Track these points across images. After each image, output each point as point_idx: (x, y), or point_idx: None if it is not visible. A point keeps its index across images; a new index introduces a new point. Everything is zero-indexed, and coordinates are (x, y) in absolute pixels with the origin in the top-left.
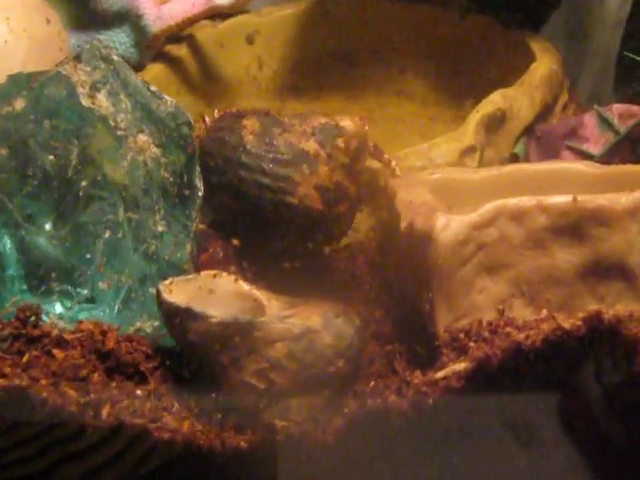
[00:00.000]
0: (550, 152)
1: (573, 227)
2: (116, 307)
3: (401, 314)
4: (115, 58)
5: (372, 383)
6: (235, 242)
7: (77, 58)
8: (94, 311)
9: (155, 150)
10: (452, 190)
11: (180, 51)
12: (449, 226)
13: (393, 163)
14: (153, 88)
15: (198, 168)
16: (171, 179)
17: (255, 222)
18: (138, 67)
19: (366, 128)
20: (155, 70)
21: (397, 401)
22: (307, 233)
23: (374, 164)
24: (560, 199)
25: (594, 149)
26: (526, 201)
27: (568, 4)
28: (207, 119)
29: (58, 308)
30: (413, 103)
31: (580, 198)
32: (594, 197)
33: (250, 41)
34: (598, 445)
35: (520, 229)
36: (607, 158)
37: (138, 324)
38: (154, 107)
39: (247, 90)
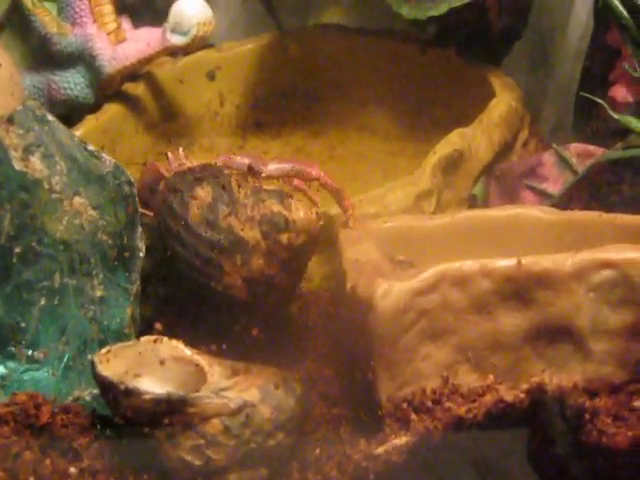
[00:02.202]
0: (509, 192)
1: (518, 291)
2: (59, 372)
3: (350, 374)
4: (50, 119)
5: (317, 451)
6: (158, 326)
7: (10, 120)
8: (38, 372)
9: (92, 212)
10: (406, 239)
11: (138, 89)
12: (390, 293)
13: (349, 212)
14: (91, 147)
15: (140, 228)
16: (110, 241)
17: (186, 294)
18: (94, 107)
19: (320, 223)
20: (112, 110)
21: (338, 476)
22: (231, 318)
23: (333, 209)
24: (504, 263)
25: (553, 188)
26: (469, 265)
27: (530, 36)
28: (170, 156)
29: (0, 369)
30: (375, 138)
31: (524, 261)
32: (539, 259)
33: (211, 77)
34: None
35: (463, 294)
36: (566, 198)
37: (77, 393)
38: (92, 167)
39: (208, 126)
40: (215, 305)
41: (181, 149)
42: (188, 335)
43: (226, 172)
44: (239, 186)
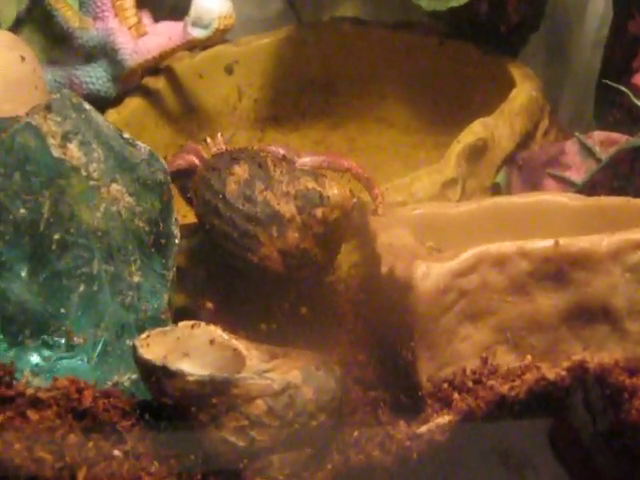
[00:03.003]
0: (532, 180)
1: (555, 272)
2: (94, 359)
3: (384, 357)
4: (87, 107)
5: (355, 433)
6: (209, 305)
7: (47, 108)
8: (73, 360)
9: (129, 199)
10: (433, 226)
11: (158, 84)
12: (429, 274)
13: (379, 199)
14: (126, 135)
15: (175, 215)
16: (146, 228)
17: (220, 269)
18: (116, 101)
19: (354, 200)
20: (133, 104)
21: (381, 456)
22: (266, 291)
23: (363, 197)
24: (541, 244)
25: (576, 177)
26: (507, 247)
27: (547, 26)
28: (209, 140)
29: (35, 358)
30: (394, 131)
31: (562, 242)
32: (576, 240)
33: (229, 71)
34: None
35: (502, 275)
36: (590, 186)
37: (115, 378)
38: (127, 155)
39: (227, 120)
40: (252, 279)
41: (219, 134)
42: (227, 314)
43: (262, 154)
44: (275, 165)
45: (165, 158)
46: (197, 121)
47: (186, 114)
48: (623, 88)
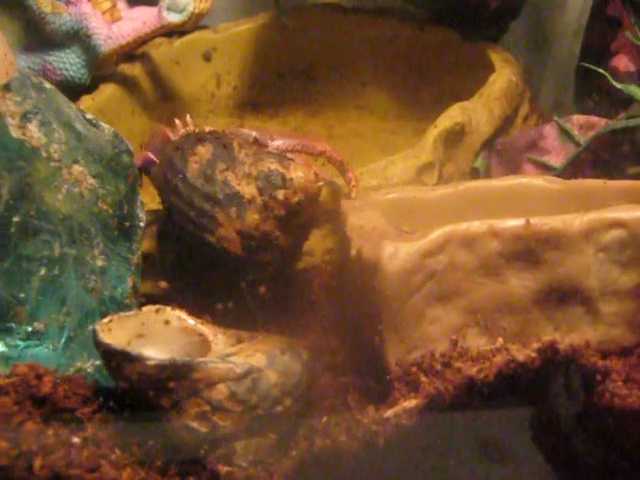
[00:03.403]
0: (511, 165)
1: (527, 252)
2: (61, 345)
3: (356, 343)
4: (47, 86)
5: (324, 419)
6: (162, 284)
7: (6, 87)
8: (39, 348)
9: (92, 181)
10: (408, 210)
11: (134, 70)
12: (397, 255)
13: (353, 183)
14: (89, 116)
15: (140, 198)
16: (110, 211)
17: (186, 251)
18: (91, 88)
19: (319, 184)
20: (108, 90)
21: (347, 441)
22: (224, 272)
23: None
24: (512, 223)
25: (555, 161)
26: (477, 226)
27: (529, 12)
28: (177, 122)
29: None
30: (374, 117)
31: (533, 221)
32: (547, 220)
33: (207, 58)
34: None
35: (471, 255)
36: (569, 170)
37: (79, 364)
38: (91, 136)
39: (205, 108)
40: (212, 261)
41: (188, 115)
42: (194, 298)
43: (230, 136)
44: (241, 147)
45: (141, 146)
46: (174, 108)
47: (163, 101)
48: (602, 71)
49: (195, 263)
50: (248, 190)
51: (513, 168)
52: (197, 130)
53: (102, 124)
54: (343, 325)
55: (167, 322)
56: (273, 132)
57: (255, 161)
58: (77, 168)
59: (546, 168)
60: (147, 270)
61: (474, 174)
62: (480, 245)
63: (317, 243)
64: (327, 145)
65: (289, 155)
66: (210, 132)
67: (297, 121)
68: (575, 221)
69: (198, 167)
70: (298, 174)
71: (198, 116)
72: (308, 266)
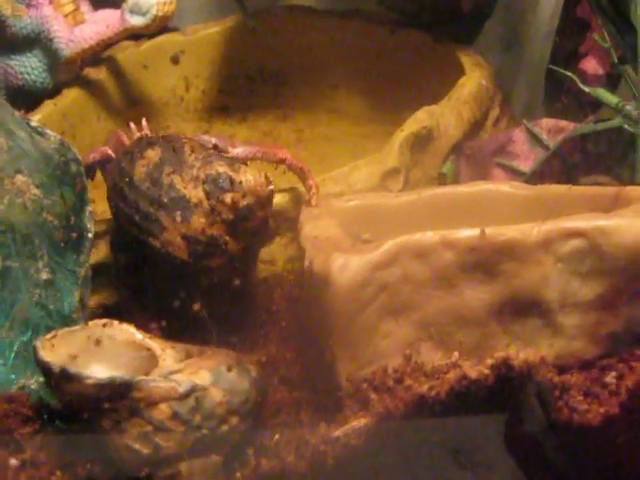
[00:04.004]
0: (480, 170)
1: (483, 263)
2: (10, 361)
3: (311, 356)
4: None
5: (274, 438)
6: (114, 294)
7: None
8: None
9: (36, 191)
10: (370, 217)
11: (99, 74)
12: (347, 267)
13: (313, 191)
14: (34, 123)
15: (89, 208)
16: (55, 222)
17: (135, 259)
18: (54, 93)
19: (270, 187)
20: (72, 95)
21: (295, 462)
22: (173, 281)
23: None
24: (467, 233)
25: (524, 166)
26: (430, 237)
27: (501, 14)
28: (133, 126)
29: None
30: (345, 121)
31: (488, 231)
32: (503, 230)
33: (175, 61)
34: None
35: (425, 267)
36: (537, 175)
37: (22, 381)
38: (35, 144)
39: (173, 111)
40: (160, 268)
41: (144, 119)
42: (142, 307)
43: (183, 140)
44: (192, 151)
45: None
46: (142, 113)
47: (130, 106)
48: (570, 74)
49: (146, 271)
50: (195, 193)
51: (482, 173)
52: (150, 134)
53: (48, 132)
54: (300, 337)
55: (114, 337)
56: (235, 139)
57: (204, 164)
58: (20, 178)
59: (515, 173)
60: (101, 280)
61: (442, 179)
62: (434, 256)
63: (279, 251)
64: (288, 153)
65: (249, 162)
66: (163, 136)
67: (267, 125)
68: (532, 231)
69: (145, 170)
70: (247, 177)
71: (166, 120)
72: (269, 275)
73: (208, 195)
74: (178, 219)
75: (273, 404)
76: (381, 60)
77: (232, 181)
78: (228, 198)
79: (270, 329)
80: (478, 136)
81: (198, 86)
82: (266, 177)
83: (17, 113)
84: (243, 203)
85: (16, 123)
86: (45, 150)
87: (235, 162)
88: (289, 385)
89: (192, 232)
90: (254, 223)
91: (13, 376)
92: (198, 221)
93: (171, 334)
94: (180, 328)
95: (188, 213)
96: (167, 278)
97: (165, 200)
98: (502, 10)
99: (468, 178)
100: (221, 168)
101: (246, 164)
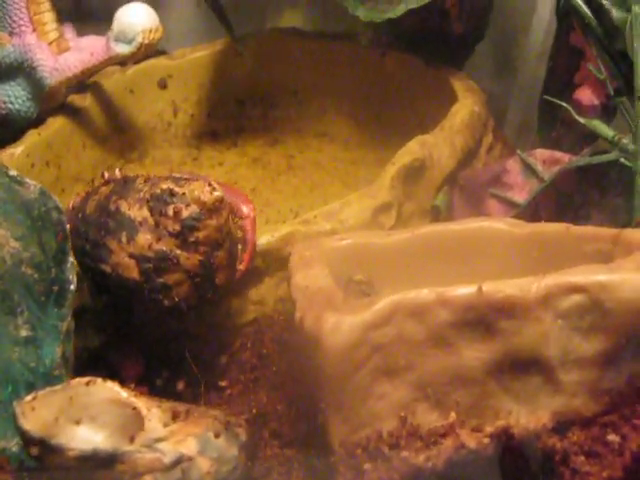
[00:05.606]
0: (474, 201)
1: (480, 321)
2: None
3: (303, 410)
4: None
5: None
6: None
7: None
8: None
9: (15, 244)
10: (363, 257)
11: (85, 101)
12: (339, 328)
13: (243, 265)
14: (13, 172)
15: (71, 259)
16: (35, 275)
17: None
18: (38, 122)
19: (216, 194)
20: (57, 124)
21: None
22: (132, 304)
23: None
24: (463, 291)
25: (519, 197)
26: (425, 295)
27: (493, 37)
28: (106, 175)
29: None
30: (335, 146)
31: (485, 288)
32: (501, 286)
33: (163, 86)
34: None
35: (420, 326)
36: (532, 206)
37: (2, 443)
38: (14, 195)
39: (161, 137)
40: (118, 296)
41: (117, 169)
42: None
43: (141, 175)
44: (145, 181)
45: (92, 181)
46: (129, 139)
47: (117, 132)
48: (564, 104)
49: (117, 306)
50: (140, 213)
51: (476, 204)
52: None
53: (27, 181)
54: (292, 385)
55: (98, 395)
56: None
57: (151, 186)
58: None
59: (510, 204)
60: (83, 323)
61: (435, 212)
62: (429, 315)
63: (269, 291)
64: (252, 212)
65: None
66: (123, 177)
67: (256, 151)
68: (532, 287)
69: (95, 204)
70: (190, 188)
71: (154, 146)
72: (259, 316)
73: (152, 211)
74: (124, 240)
75: (264, 460)
76: (371, 84)
77: (174, 194)
78: (170, 210)
79: (260, 374)
80: (471, 165)
81: (186, 111)
82: (210, 185)
83: None
84: (186, 213)
85: None
86: (25, 200)
87: (180, 179)
88: (280, 440)
89: (139, 249)
90: (206, 232)
91: None
92: (144, 238)
93: (154, 376)
94: (163, 366)
95: (133, 232)
96: (129, 305)
97: (111, 225)
98: (493, 32)
99: (462, 210)
100: (165, 185)
101: (196, 179)
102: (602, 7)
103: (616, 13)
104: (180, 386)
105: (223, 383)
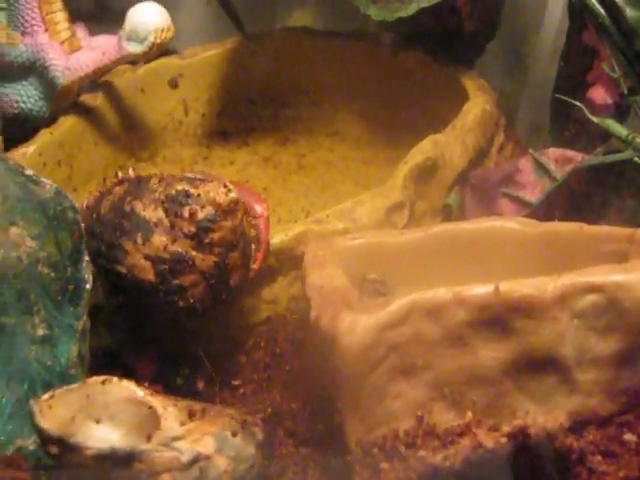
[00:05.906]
0: (486, 200)
1: (496, 320)
2: (4, 419)
3: (318, 409)
4: None
5: None
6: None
7: None
8: None
9: (31, 243)
10: (377, 256)
11: (96, 100)
12: (355, 328)
13: (257, 264)
14: (29, 172)
15: (86, 258)
16: (52, 274)
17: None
18: (50, 121)
19: (231, 195)
20: (68, 123)
21: None
22: (147, 304)
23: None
24: (480, 290)
25: (531, 196)
26: (442, 294)
27: (504, 36)
28: (120, 175)
29: None
30: (346, 145)
31: (502, 288)
32: (518, 285)
33: (173, 85)
34: None
35: (436, 326)
36: (545, 206)
37: (19, 441)
38: (30, 194)
39: (172, 136)
40: (133, 297)
41: (131, 169)
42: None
43: (155, 174)
44: (160, 180)
45: (104, 180)
46: (140, 139)
47: (128, 131)
48: (577, 103)
49: (124, 302)
50: (155, 214)
51: (488, 203)
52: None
53: (43, 180)
54: (306, 384)
55: (114, 394)
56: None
57: (165, 187)
58: (15, 231)
59: (522, 203)
60: (98, 322)
61: (447, 211)
62: (446, 315)
63: (282, 290)
64: (266, 211)
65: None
66: (137, 176)
67: (267, 150)
68: (548, 286)
69: (109, 204)
70: (205, 189)
71: (165, 145)
72: (272, 315)
73: (167, 213)
74: (139, 241)
75: (279, 459)
76: (382, 82)
77: (189, 195)
78: (186, 211)
79: (274, 373)
80: (483, 164)
81: (197, 110)
82: (225, 186)
83: (12, 162)
84: (202, 214)
85: (10, 173)
86: (41, 199)
87: (195, 180)
88: (295, 439)
89: (154, 251)
90: (221, 234)
91: (3, 437)
92: (159, 239)
93: (169, 375)
94: (177, 366)
95: (149, 233)
96: (143, 306)
97: (126, 226)
98: (504, 31)
99: (474, 209)
100: (180, 186)
101: (210, 180)
102: (615, 5)
103: (630, 12)
104: (194, 385)
105: (236, 382)
